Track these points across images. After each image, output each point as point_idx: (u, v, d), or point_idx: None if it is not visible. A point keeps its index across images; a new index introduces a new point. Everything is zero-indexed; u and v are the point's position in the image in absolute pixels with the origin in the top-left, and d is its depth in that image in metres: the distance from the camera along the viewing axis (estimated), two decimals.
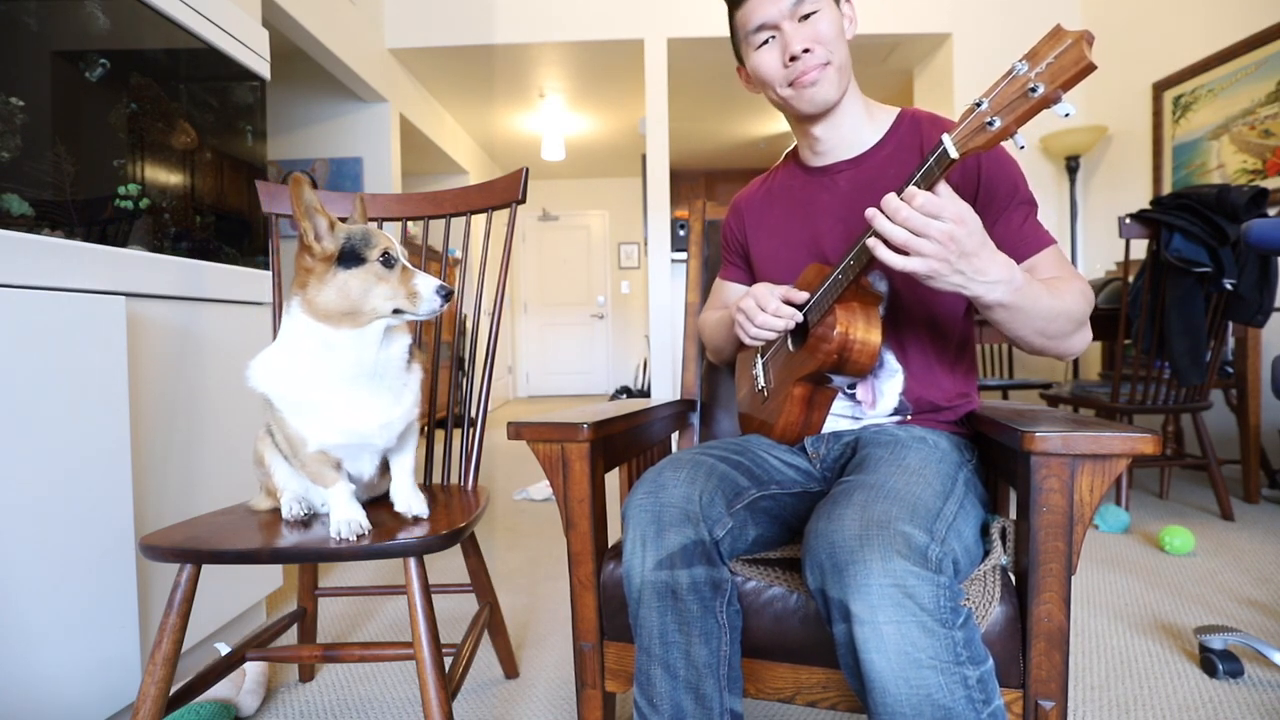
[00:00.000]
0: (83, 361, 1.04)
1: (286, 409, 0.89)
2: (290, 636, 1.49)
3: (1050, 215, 3.75)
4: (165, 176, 1.28)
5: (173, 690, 0.90)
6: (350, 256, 0.85)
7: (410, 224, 2.77)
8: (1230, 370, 2.47)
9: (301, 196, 0.83)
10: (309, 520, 0.96)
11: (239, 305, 1.47)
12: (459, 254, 2.74)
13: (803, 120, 0.98)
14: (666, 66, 3.82)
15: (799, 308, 0.90)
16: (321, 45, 3.10)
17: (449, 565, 1.98)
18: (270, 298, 1.53)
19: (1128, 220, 2.09)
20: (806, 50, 0.89)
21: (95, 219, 1.12)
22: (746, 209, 1.13)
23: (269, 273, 1.55)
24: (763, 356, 1.03)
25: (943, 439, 0.90)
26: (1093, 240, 3.64)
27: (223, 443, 1.42)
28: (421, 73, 4.28)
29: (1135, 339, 2.17)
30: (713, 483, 0.82)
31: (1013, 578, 0.78)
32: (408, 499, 0.96)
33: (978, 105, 0.66)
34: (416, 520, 0.94)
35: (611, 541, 0.93)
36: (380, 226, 1.23)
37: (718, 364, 1.26)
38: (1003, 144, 0.72)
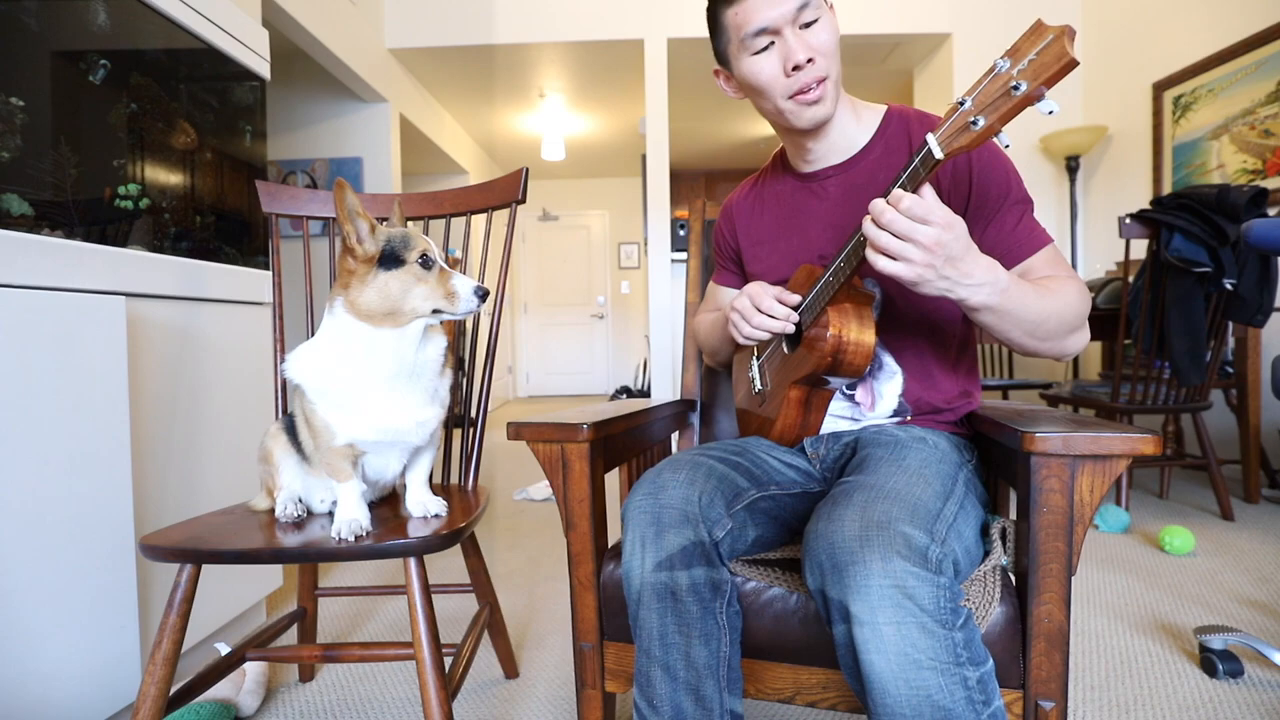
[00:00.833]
0: (83, 361, 1.04)
1: (321, 401, 0.90)
2: (290, 636, 1.50)
3: (1050, 215, 3.75)
4: (165, 176, 1.28)
5: (173, 690, 0.90)
6: (390, 258, 0.87)
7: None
8: (1230, 370, 2.47)
9: (345, 201, 0.85)
10: (301, 521, 0.97)
11: (239, 305, 1.47)
12: (459, 254, 2.74)
13: (794, 133, 0.96)
14: (666, 66, 3.82)
15: (792, 309, 0.90)
16: (321, 45, 3.10)
17: (449, 565, 1.98)
18: (270, 298, 1.53)
19: (1128, 220, 2.09)
20: (810, 60, 0.86)
21: (95, 219, 1.12)
22: (737, 214, 1.12)
23: (269, 273, 1.55)
24: (758, 359, 1.03)
25: (943, 439, 0.90)
26: (1093, 240, 3.64)
27: (223, 443, 1.42)
28: (421, 73, 4.28)
29: (1135, 339, 2.17)
30: (712, 484, 0.82)
31: (1013, 578, 0.78)
32: (424, 500, 0.98)
33: (961, 104, 0.65)
34: (436, 517, 0.95)
35: (611, 542, 0.93)
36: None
37: (713, 366, 1.26)
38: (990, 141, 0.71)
